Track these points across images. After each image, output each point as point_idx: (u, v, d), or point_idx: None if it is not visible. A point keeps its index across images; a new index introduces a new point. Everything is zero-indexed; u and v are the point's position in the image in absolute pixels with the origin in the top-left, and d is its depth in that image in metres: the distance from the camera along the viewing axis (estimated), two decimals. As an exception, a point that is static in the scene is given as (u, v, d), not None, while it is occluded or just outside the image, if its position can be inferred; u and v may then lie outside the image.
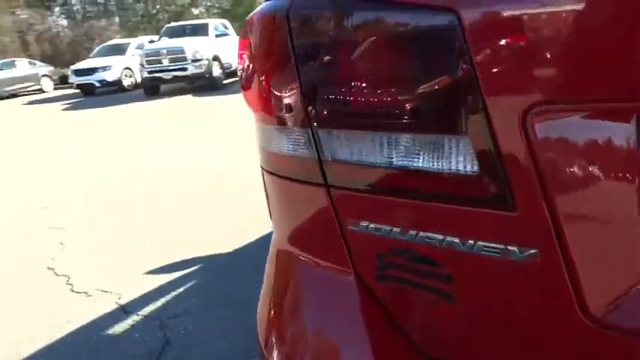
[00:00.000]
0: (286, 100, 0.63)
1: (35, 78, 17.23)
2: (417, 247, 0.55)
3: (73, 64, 16.03)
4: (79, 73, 14.53)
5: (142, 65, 12.33)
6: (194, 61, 11.80)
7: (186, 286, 2.48)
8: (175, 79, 12.00)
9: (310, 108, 0.59)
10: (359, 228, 0.59)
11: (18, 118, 11.40)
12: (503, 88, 0.45)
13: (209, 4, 33.82)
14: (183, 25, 14.77)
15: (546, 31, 0.44)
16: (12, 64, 17.17)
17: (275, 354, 0.73)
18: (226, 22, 15.11)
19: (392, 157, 0.54)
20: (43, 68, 18.07)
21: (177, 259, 2.76)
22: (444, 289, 0.55)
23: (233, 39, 13.47)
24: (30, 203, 4.21)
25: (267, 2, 0.66)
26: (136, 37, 18.46)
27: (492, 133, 0.46)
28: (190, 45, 12.00)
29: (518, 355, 0.54)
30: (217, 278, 2.49)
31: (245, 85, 0.76)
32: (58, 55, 26.23)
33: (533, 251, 0.48)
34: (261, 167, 0.80)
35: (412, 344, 0.60)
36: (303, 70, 0.59)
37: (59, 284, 2.65)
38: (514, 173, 0.46)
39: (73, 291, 2.57)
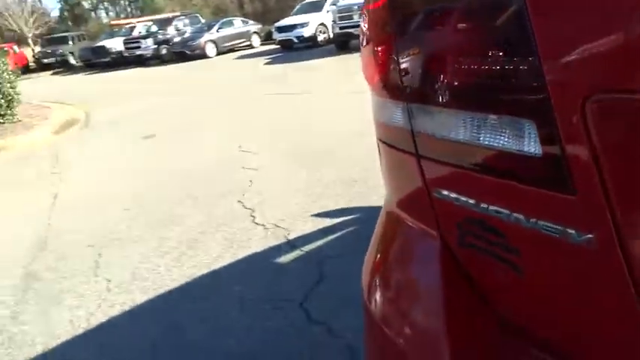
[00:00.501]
0: (388, 75, 0.69)
1: (247, 35, 19.54)
2: (488, 219, 0.57)
3: (278, 21, 17.64)
4: (280, 29, 15.96)
5: (334, 21, 12.89)
6: (384, 15, 11.82)
7: (345, 231, 2.69)
8: (364, 34, 12.26)
9: (405, 83, 0.64)
10: (442, 196, 0.64)
11: (230, 69, 13.24)
12: (565, 73, 0.45)
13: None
14: (376, -21, 14.84)
15: (607, 20, 0.42)
16: (230, 23, 19.74)
17: (373, 299, 0.82)
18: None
19: (469, 135, 0.57)
20: (253, 26, 20.32)
21: (346, 207, 3.00)
22: (513, 260, 0.56)
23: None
24: (230, 145, 4.96)
25: None
26: (334, -7, 19.24)
27: (555, 117, 0.46)
28: None
29: (577, 333, 0.55)
30: (373, 229, 2.63)
31: (361, 58, 0.83)
32: (267, 12, 29.07)
33: (589, 236, 0.48)
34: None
35: (487, 307, 0.64)
36: (399, 47, 0.64)
37: (245, 215, 3.14)
38: (574, 158, 0.47)
39: (254, 222, 3.02)
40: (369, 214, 2.86)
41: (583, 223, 0.48)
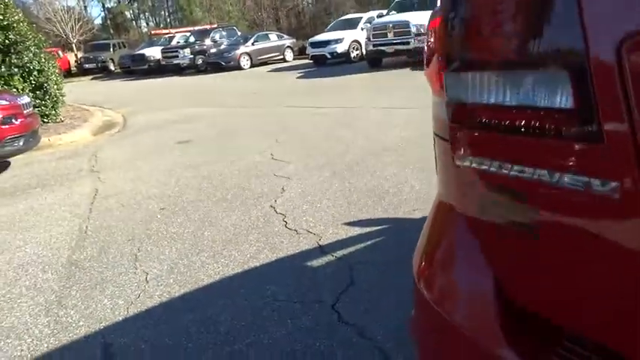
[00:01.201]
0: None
1: (281, 49, 19.97)
2: (509, 183, 0.63)
3: (312, 36, 17.98)
4: (314, 45, 16.25)
5: (368, 39, 13.06)
6: (417, 35, 11.92)
7: (375, 240, 2.74)
8: (397, 52, 12.37)
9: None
10: (466, 163, 0.72)
11: (264, 80, 13.53)
12: (602, 15, 0.49)
13: (442, -25, 33.18)
14: (412, -1, 15.07)
15: None
16: (266, 37, 20.23)
17: (425, 282, 0.89)
18: (456, -6, 14.68)
19: (495, 97, 0.63)
20: (287, 40, 20.76)
21: (377, 217, 3.07)
22: (531, 224, 0.63)
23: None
24: (263, 153, 5.09)
25: None
26: (368, 11, 19.51)
27: (589, 65, 0.50)
28: (416, 19, 12.13)
29: (598, 296, 0.58)
30: (400, 239, 2.68)
31: (426, 66, 0.94)
32: (301, 28, 29.67)
33: (614, 184, 0.51)
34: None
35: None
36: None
37: (278, 220, 3.24)
38: (605, 106, 0.50)
39: (286, 227, 3.11)
40: (398, 225, 2.92)
41: (609, 172, 0.51)
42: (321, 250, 2.71)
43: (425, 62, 1.01)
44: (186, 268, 2.70)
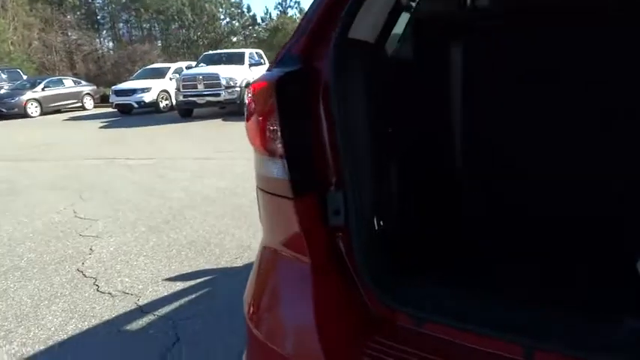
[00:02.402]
0: (268, 138, 0.94)
1: (78, 96, 18.23)
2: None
3: (115, 84, 16.97)
4: (119, 93, 15.36)
5: (178, 89, 13.01)
6: (227, 87, 12.38)
7: (199, 293, 2.72)
8: (208, 103, 12.58)
9: (284, 145, 0.89)
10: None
11: (58, 131, 12.13)
12: None
13: (247, 33, 35.33)
14: (220, 53, 15.66)
15: None
16: (59, 82, 18.27)
17: (256, 321, 0.98)
18: (261, 52, 15.80)
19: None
20: (86, 87, 19.12)
21: (199, 269, 3.03)
22: None
23: (266, 68, 14.09)
24: (64, 211, 4.56)
25: (266, 72, 1.05)
26: (176, 61, 19.43)
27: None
28: (225, 72, 12.63)
29: None
30: (225, 287, 2.72)
31: (247, 125, 1.08)
32: (102, 75, 27.73)
33: None
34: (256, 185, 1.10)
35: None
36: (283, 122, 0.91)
37: (87, 284, 2.93)
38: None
39: (98, 291, 2.84)
40: (221, 274, 2.95)
41: None
42: (141, 310, 2.56)
43: (246, 117, 1.14)
44: (-32, 356, 2.23)
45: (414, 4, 1.25)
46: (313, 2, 1.16)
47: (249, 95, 1.07)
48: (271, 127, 1.00)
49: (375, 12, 1.14)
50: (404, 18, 1.39)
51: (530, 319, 0.87)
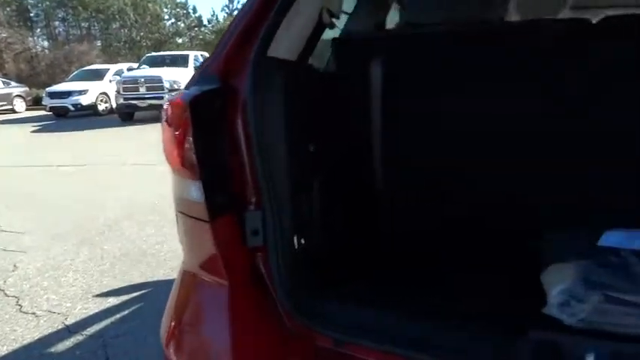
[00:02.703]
0: (185, 159, 0.96)
1: (8, 98, 17.08)
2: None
3: (50, 85, 16.06)
4: (53, 95, 14.55)
5: (118, 92, 12.52)
6: (171, 90, 12.02)
7: (132, 308, 2.61)
8: (151, 107, 12.18)
9: (200, 167, 0.91)
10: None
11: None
12: None
13: (193, 34, 34.55)
14: (163, 55, 15.24)
15: None
16: (-15, 83, 17.09)
17: (174, 346, 0.96)
18: (207, 54, 15.51)
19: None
20: (16, 88, 17.95)
21: (133, 283, 2.91)
22: None
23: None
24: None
25: (182, 91, 1.05)
26: (117, 63, 18.68)
27: None
28: (168, 75, 12.30)
29: None
30: (159, 301, 2.63)
31: (163, 145, 1.05)
32: (35, 75, 26.15)
33: None
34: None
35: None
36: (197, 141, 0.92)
37: (8, 304, 2.74)
38: None
39: (21, 311, 2.66)
40: (157, 288, 2.85)
41: None
42: (69, 330, 2.42)
43: (162, 137, 1.11)
44: None
45: (336, 22, 1.27)
46: (233, 20, 1.15)
47: (165, 115, 1.04)
48: (187, 148, 0.98)
49: (295, 31, 1.15)
50: (330, 34, 1.41)
51: (452, 337, 0.89)
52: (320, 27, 1.24)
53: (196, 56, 14.52)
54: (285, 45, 1.12)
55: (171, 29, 34.15)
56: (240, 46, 1.06)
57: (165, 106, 1.05)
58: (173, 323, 1.02)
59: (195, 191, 0.97)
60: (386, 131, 1.25)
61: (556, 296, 0.88)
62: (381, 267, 1.22)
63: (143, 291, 2.83)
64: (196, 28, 34.65)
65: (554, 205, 1.25)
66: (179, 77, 12.30)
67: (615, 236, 1.16)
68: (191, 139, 0.95)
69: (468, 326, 0.89)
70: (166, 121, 1.04)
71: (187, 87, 1.09)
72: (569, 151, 1.26)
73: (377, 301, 1.03)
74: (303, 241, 1.10)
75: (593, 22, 1.22)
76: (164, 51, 21.47)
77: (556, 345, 0.80)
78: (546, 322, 0.87)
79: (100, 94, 14.63)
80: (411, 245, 1.32)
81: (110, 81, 14.84)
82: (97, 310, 2.61)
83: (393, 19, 1.81)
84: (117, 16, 31.75)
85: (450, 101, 1.26)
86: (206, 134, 0.98)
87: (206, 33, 34.19)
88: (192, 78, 1.15)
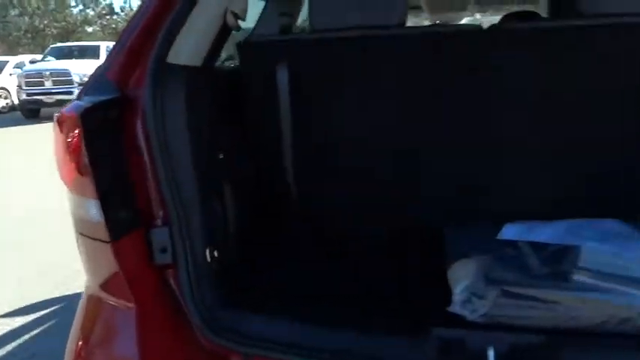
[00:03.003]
0: (81, 177, 0.91)
1: None
2: None
3: None
4: (-61, 91, 13.03)
5: (19, 86, 11.48)
6: (81, 84, 11.23)
7: (41, 328, 2.42)
8: (58, 102, 11.28)
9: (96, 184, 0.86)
10: None
11: None
12: None
13: (104, 23, 32.36)
14: (71, 46, 14.18)
15: None
16: None
17: None
18: (120, 45, 14.64)
19: None
20: None
21: (40, 299, 2.70)
22: None
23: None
24: None
25: (76, 102, 0.97)
26: (17, 54, 17.07)
27: None
28: (77, 68, 11.47)
29: None
30: (71, 318, 2.46)
31: (57, 162, 0.97)
32: None
33: None
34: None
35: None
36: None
37: None
38: None
39: None
40: (70, 302, 2.65)
41: None
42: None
43: (54, 152, 1.01)
44: None
45: (242, 24, 1.23)
46: (130, 22, 1.08)
47: (56, 128, 0.96)
48: (81, 164, 0.90)
49: (197, 35, 1.09)
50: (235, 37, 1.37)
51: (363, 342, 0.90)
52: (226, 30, 1.19)
53: (108, 47, 13.58)
54: (187, 50, 1.06)
55: (79, 17, 31.69)
56: (138, 50, 0.99)
57: (55, 119, 0.97)
58: (77, 353, 0.95)
59: (92, 210, 0.90)
60: (295, 134, 1.24)
61: (459, 294, 0.93)
62: (294, 271, 1.22)
63: (54, 307, 2.62)
64: (108, 16, 32.44)
65: (455, 198, 1.31)
66: (90, 70, 11.48)
67: (515, 229, 1.24)
68: (85, 154, 0.88)
69: (376, 328, 0.91)
70: (58, 134, 0.95)
71: (80, 96, 1.00)
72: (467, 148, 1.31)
73: (289, 309, 1.02)
74: (215, 253, 1.06)
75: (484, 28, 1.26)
76: (72, 41, 19.95)
77: (460, 341, 0.85)
78: (452, 319, 0.92)
79: (-1, 89, 13.31)
80: (326, 248, 1.33)
81: (10, 75, 13.53)
82: (1, 333, 2.38)
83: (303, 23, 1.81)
84: (15, 2, 28.88)
85: (353, 105, 1.28)
86: (102, 148, 0.91)
87: (119, 22, 32.12)
88: (85, 85, 1.06)
